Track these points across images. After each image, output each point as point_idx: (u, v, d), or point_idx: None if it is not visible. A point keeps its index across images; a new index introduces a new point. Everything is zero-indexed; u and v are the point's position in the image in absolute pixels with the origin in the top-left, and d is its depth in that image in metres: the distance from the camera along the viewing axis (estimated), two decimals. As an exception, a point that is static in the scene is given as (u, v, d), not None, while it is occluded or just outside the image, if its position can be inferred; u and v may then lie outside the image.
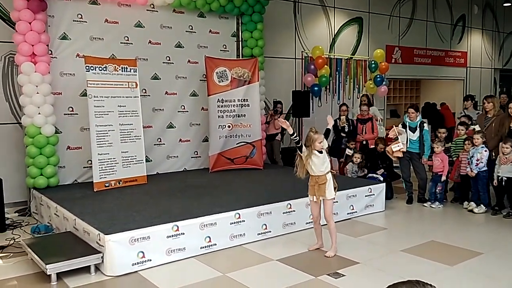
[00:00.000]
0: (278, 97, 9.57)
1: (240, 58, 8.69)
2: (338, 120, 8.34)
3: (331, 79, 9.85)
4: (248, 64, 8.17)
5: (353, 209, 6.22)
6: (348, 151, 7.88)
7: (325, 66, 9.54)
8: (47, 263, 4.07)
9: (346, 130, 8.26)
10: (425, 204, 6.83)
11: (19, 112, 6.83)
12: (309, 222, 5.71)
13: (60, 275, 4.15)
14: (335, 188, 4.74)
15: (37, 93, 6.33)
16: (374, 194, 6.47)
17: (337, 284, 4.01)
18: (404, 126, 6.98)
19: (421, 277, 1.52)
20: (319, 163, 4.63)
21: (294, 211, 5.60)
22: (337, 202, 5.40)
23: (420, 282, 1.44)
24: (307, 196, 5.78)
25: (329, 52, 10.42)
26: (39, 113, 6.36)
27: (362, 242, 5.27)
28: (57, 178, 6.68)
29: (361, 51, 11.27)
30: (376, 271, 4.33)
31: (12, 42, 6.43)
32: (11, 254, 4.85)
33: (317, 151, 4.60)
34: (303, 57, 9.74)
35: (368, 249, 5.00)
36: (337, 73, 10.13)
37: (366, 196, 6.39)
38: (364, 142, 8.25)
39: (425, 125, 6.94)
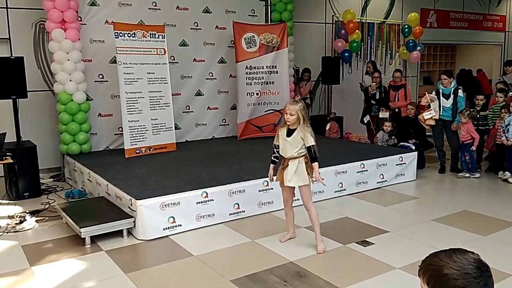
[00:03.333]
0: (307, 63, 9.39)
1: (269, 23, 8.53)
2: (368, 87, 8.15)
3: (362, 44, 9.57)
4: (277, 29, 8.01)
5: (383, 178, 6.13)
6: (382, 114, 7.82)
7: (357, 30, 9.26)
8: (81, 227, 4.19)
9: (377, 97, 8.07)
10: (459, 175, 6.63)
11: (51, 79, 6.94)
12: (338, 191, 5.71)
13: (93, 238, 4.28)
14: (309, 175, 4.01)
15: (68, 60, 6.40)
16: (405, 163, 6.35)
17: (366, 252, 4.00)
18: (437, 93, 6.76)
19: (452, 246, 1.47)
20: (285, 145, 3.98)
21: (323, 179, 5.52)
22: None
23: (461, 250, 1.39)
24: (335, 164, 5.77)
25: (360, 16, 10.08)
26: (70, 80, 6.45)
27: (392, 211, 5.21)
28: (89, 144, 6.82)
29: (395, 15, 10.86)
30: (406, 240, 4.29)
31: (42, 9, 6.47)
32: (47, 218, 5.02)
33: (286, 132, 3.94)
34: (334, 22, 9.46)
35: (398, 218, 4.95)
36: (369, 38, 9.82)
37: (397, 165, 6.28)
38: (397, 110, 8.05)
39: (460, 91, 6.70)
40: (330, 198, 5.60)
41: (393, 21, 10.38)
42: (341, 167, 5.75)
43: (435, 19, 11.94)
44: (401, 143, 7.08)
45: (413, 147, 6.89)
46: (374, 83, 8.10)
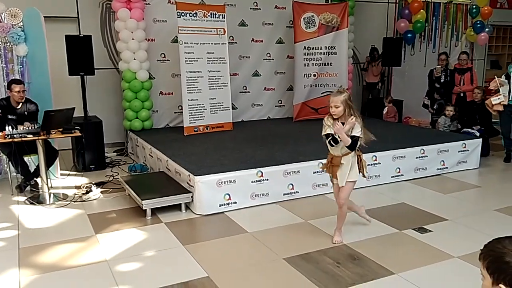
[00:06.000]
0: (368, 44, 9.16)
1: (329, 2, 8.36)
2: (433, 70, 7.82)
3: (426, 25, 9.16)
4: (337, 8, 7.85)
5: (444, 164, 5.93)
6: (426, 100, 7.58)
7: (421, 10, 8.86)
8: (143, 199, 4.39)
9: (442, 81, 7.73)
10: None
11: (116, 57, 7.22)
12: (394, 176, 5.59)
13: (154, 211, 4.48)
14: (360, 170, 3.70)
15: (133, 39, 6.63)
16: (468, 150, 6.09)
17: (423, 239, 3.91)
18: (507, 77, 6.38)
19: (514, 238, 1.42)
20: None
21: (380, 163, 5.47)
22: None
23: None
24: (393, 149, 5.63)
25: (426, -4, 9.64)
26: (134, 59, 6.69)
27: (452, 199, 5.04)
28: (151, 121, 7.08)
29: (463, -6, 10.28)
30: (465, 229, 4.15)
31: (109, -11, 6.72)
32: (111, 190, 5.31)
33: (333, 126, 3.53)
34: (397, 1, 9.11)
35: (458, 206, 4.78)
36: (434, 18, 9.37)
37: (459, 151, 6.04)
38: (462, 94, 7.70)
39: (533, 76, 6.29)
40: (387, 183, 5.50)
41: (461, 0, 9.82)
42: (399, 151, 5.62)
43: (506, 0, 11.18)
44: (465, 129, 6.79)
45: (478, 134, 6.58)
46: (439, 66, 7.75)
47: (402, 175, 5.63)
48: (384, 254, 3.63)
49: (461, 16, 9.62)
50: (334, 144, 3.62)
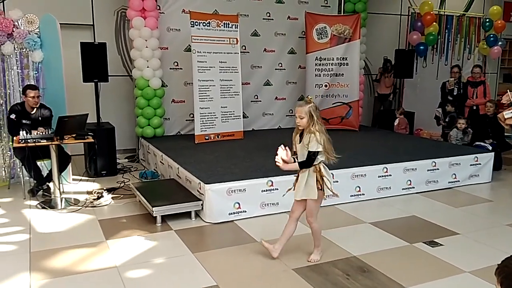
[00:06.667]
0: (380, 56, 9.17)
1: (342, 14, 8.39)
2: (446, 82, 7.80)
3: (439, 37, 9.15)
4: (349, 20, 7.87)
5: (455, 178, 5.88)
6: (438, 112, 7.55)
7: (434, 23, 8.87)
8: (154, 206, 4.41)
9: (455, 93, 7.70)
10: None
11: (130, 65, 7.31)
12: (405, 188, 5.56)
13: (164, 218, 4.49)
14: (318, 189, 3.49)
15: (146, 47, 6.70)
16: (480, 164, 6.05)
17: (434, 252, 3.87)
18: (521, 91, 6.33)
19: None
20: (299, 151, 3.47)
21: (390, 175, 5.44)
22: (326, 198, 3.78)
23: None
24: (404, 161, 5.60)
25: (439, 8, 9.63)
26: (147, 67, 6.76)
27: (463, 213, 5.00)
28: (162, 128, 7.13)
29: (476, 8, 10.25)
30: (477, 244, 4.10)
31: (124, -2, 6.81)
32: (122, 196, 5.34)
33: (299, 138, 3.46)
34: (410, 14, 9.12)
35: (469, 220, 4.73)
36: (446, 31, 9.36)
37: (471, 165, 5.99)
38: (475, 108, 7.65)
39: (547, 90, 6.23)
40: (397, 196, 5.47)
41: (474, 14, 9.80)
42: (410, 164, 5.59)
43: (521, 13, 11.14)
44: (477, 143, 6.74)
45: (490, 148, 6.53)
46: (453, 79, 7.73)
47: (413, 187, 5.60)
48: (394, 267, 3.60)
49: (474, 29, 9.60)
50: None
